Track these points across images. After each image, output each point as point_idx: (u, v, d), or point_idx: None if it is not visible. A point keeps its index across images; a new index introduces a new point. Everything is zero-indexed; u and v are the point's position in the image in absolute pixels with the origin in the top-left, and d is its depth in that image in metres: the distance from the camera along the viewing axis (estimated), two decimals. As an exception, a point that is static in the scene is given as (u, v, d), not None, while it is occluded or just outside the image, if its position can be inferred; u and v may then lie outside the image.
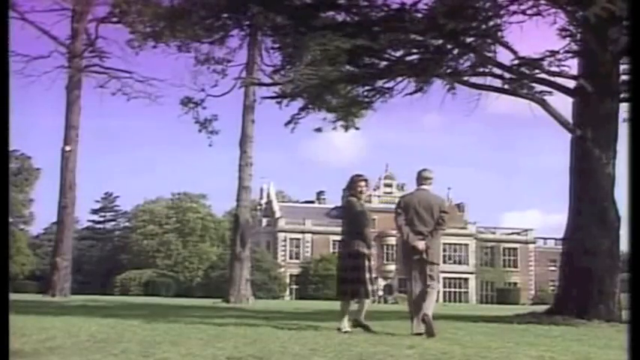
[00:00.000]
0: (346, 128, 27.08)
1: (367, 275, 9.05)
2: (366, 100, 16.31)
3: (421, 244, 8.76)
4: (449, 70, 14.64)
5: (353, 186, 9.33)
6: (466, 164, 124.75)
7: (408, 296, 9.18)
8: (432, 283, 8.84)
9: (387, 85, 15.55)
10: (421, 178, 9.06)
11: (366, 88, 15.84)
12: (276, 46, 18.44)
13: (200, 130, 32.27)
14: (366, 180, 9.42)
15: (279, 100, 16.11)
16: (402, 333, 8.74)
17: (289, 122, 17.27)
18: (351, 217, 9.23)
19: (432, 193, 9.16)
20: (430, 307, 8.62)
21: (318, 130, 25.22)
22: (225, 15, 15.92)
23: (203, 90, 31.75)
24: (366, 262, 9.06)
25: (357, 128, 27.90)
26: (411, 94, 15.09)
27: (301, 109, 16.81)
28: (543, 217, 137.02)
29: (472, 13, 13.76)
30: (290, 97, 15.98)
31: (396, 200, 9.79)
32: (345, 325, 8.94)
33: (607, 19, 12.09)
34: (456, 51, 14.58)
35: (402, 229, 8.88)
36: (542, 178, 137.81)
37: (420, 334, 8.32)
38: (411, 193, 9.19)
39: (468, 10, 13.62)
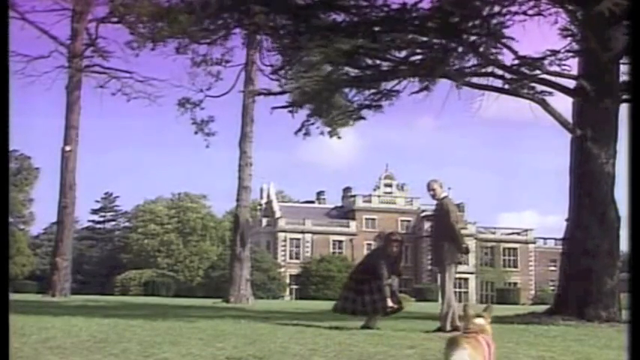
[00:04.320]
0: (330, 135, 27.80)
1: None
2: (374, 104, 16.12)
3: None
4: (454, 69, 14.58)
5: (387, 243, 10.12)
6: (464, 164, 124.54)
7: (449, 300, 9.63)
8: None
9: (392, 88, 15.45)
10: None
11: (372, 91, 15.70)
12: (276, 47, 18.40)
13: (196, 132, 32.30)
14: (400, 241, 10.22)
15: (290, 110, 16.22)
16: (402, 333, 8.75)
17: (300, 130, 17.41)
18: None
19: None
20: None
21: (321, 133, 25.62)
22: (223, 16, 15.86)
23: (202, 91, 31.77)
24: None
25: (339, 137, 28.94)
26: (417, 92, 14.98)
27: (309, 115, 16.88)
28: (540, 218, 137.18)
29: (473, 9, 13.73)
30: (299, 105, 16.05)
31: (452, 205, 10.05)
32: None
33: (608, 19, 12.08)
34: (460, 49, 14.51)
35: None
36: (540, 179, 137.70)
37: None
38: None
39: (471, 3, 13.59)
